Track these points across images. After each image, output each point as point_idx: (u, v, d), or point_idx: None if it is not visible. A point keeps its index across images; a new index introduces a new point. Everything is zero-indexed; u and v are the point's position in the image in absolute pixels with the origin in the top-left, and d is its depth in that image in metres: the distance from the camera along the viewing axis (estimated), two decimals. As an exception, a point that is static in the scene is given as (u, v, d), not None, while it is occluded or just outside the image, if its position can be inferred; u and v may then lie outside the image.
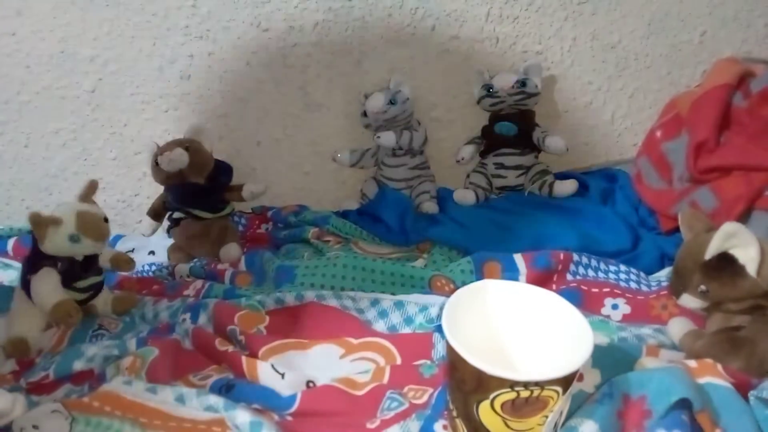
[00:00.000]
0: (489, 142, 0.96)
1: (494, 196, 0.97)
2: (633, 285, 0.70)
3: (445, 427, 0.49)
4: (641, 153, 0.93)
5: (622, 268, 0.72)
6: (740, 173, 0.73)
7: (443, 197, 0.96)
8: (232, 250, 0.88)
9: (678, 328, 0.59)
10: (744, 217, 0.71)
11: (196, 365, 0.63)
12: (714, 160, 0.75)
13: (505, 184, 0.95)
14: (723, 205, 0.73)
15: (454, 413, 0.46)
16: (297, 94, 0.96)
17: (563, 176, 0.94)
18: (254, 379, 0.58)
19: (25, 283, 0.69)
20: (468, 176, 0.98)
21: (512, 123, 0.93)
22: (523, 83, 0.90)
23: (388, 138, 0.91)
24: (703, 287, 0.52)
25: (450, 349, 0.43)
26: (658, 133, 0.89)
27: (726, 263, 0.51)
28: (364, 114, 0.93)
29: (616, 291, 0.69)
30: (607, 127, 1.04)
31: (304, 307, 0.68)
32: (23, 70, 0.91)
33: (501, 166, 0.94)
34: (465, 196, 0.93)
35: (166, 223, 0.93)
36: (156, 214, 0.92)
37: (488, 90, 0.92)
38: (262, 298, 0.70)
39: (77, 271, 0.70)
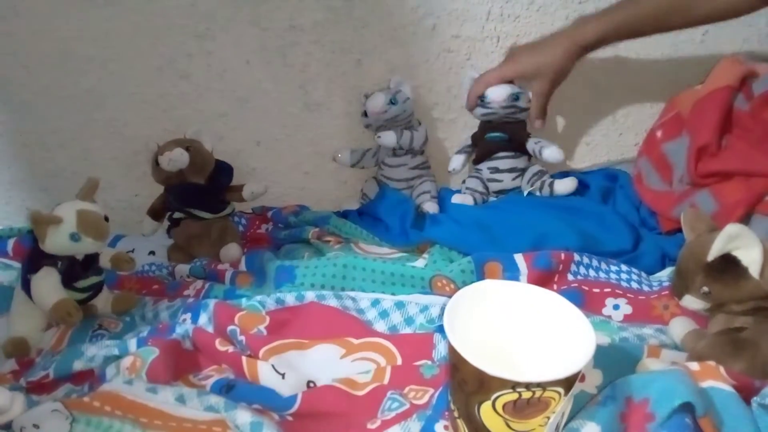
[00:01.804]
0: (481, 151, 0.95)
1: (493, 198, 0.96)
2: (634, 285, 0.70)
3: (446, 427, 0.49)
4: (641, 153, 0.93)
5: (623, 268, 0.72)
6: (741, 178, 0.72)
7: (444, 197, 0.96)
8: (232, 250, 0.88)
9: (680, 328, 0.59)
10: (744, 222, 0.71)
11: (196, 365, 0.63)
12: (715, 165, 0.75)
13: (502, 188, 0.94)
14: (722, 210, 0.72)
15: (456, 414, 0.46)
16: (297, 94, 0.96)
17: (563, 176, 0.94)
18: (255, 379, 0.58)
19: (25, 283, 0.69)
20: (464, 182, 0.97)
21: (503, 133, 0.92)
22: (516, 97, 0.89)
23: (388, 138, 0.91)
24: (705, 289, 0.52)
25: (451, 350, 0.43)
26: (659, 133, 0.88)
27: (729, 265, 0.50)
28: (365, 114, 0.93)
29: (617, 291, 0.69)
30: (607, 127, 1.04)
31: (305, 307, 0.68)
32: (22, 70, 0.91)
33: (496, 170, 0.93)
34: (463, 201, 0.93)
35: (166, 223, 0.93)
36: (156, 214, 0.92)
37: (481, 100, 0.90)
38: (263, 298, 0.70)
39: (77, 270, 0.70)
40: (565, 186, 0.90)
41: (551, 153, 0.90)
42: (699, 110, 0.79)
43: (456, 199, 0.93)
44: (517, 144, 0.93)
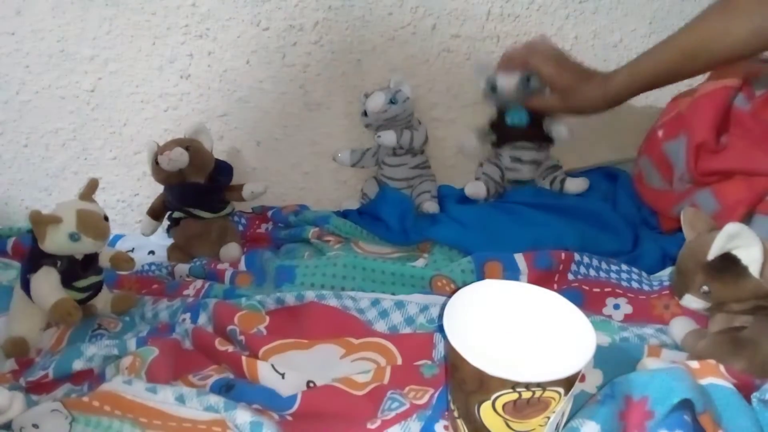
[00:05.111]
0: (501, 134, 0.93)
1: (508, 187, 0.95)
2: (635, 285, 0.70)
3: (446, 427, 0.49)
4: (642, 152, 0.93)
5: (624, 267, 0.72)
6: (742, 177, 0.72)
7: (444, 195, 0.96)
8: (232, 249, 0.88)
9: (680, 328, 0.59)
10: (745, 222, 0.70)
11: (196, 365, 0.63)
12: (715, 164, 0.75)
13: (518, 178, 0.93)
14: (724, 209, 0.72)
15: (455, 414, 0.46)
16: (297, 94, 0.96)
17: (575, 176, 0.93)
18: (254, 379, 0.58)
19: (25, 283, 0.68)
20: (481, 165, 0.96)
21: (523, 109, 0.89)
22: (527, 79, 0.85)
23: (388, 137, 0.91)
24: (705, 288, 0.52)
25: (451, 350, 0.43)
26: (660, 133, 0.88)
27: (729, 264, 0.50)
28: (365, 113, 0.93)
29: (617, 291, 0.69)
30: (608, 127, 1.04)
31: (305, 307, 0.68)
32: (22, 70, 0.91)
33: (518, 160, 0.92)
34: (477, 190, 0.91)
35: (165, 222, 0.93)
36: (156, 213, 0.92)
37: (492, 89, 0.88)
38: (263, 298, 0.69)
39: (77, 270, 0.69)
40: (576, 185, 0.90)
41: (556, 129, 0.89)
42: (695, 108, 0.79)
43: (470, 188, 0.92)
44: (537, 124, 0.90)
